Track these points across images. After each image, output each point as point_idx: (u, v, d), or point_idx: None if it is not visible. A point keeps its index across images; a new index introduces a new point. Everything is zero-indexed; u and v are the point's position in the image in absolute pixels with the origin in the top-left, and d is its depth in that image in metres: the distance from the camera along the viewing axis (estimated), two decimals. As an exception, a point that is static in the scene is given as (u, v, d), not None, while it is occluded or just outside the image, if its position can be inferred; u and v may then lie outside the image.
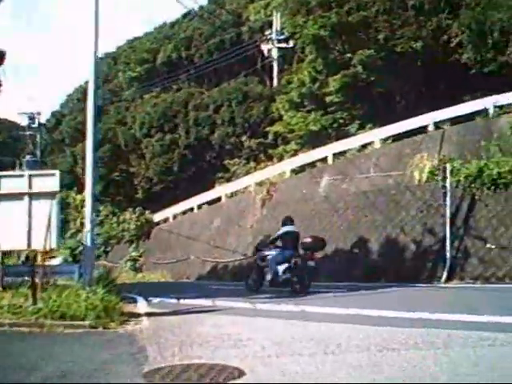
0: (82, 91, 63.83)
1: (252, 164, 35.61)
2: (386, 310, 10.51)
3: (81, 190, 48.52)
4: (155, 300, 15.61)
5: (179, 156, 38.11)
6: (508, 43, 25.40)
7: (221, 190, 32.90)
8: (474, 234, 19.14)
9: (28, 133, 57.35)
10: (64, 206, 49.41)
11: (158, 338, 8.66)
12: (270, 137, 36.58)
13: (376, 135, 26.16)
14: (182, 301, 14.88)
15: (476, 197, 19.64)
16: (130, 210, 37.20)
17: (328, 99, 31.99)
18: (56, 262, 46.13)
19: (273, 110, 36.67)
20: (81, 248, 41.32)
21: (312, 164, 28.50)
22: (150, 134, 40.02)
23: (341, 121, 32.16)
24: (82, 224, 41.88)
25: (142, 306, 14.22)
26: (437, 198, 20.80)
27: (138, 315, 12.04)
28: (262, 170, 31.22)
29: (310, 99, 33.52)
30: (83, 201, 46.58)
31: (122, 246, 36.55)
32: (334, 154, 27.36)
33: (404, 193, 22.22)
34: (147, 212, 36.70)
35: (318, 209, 25.35)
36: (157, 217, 36.58)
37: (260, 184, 29.47)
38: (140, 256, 34.76)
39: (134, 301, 15.85)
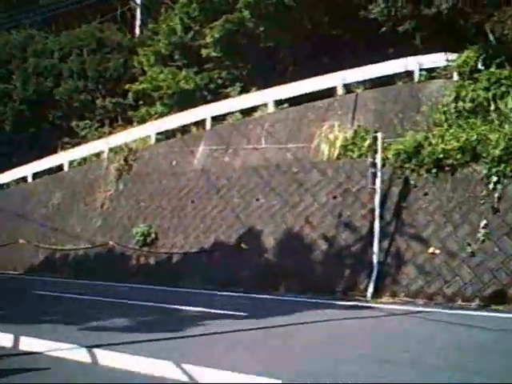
0: None
1: (107, 129, 28.82)
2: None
3: None
4: None
5: (14, 112, 30.33)
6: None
7: (63, 156, 25.92)
8: (410, 233, 14.26)
9: None
10: None
11: None
12: (131, 97, 29.94)
13: (268, 96, 20.61)
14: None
15: (411, 181, 14.76)
16: None
17: (204, 53, 26.00)
18: None
19: (134, 63, 29.97)
20: None
21: (185, 129, 22.54)
22: (-25, 82, 31.86)
23: (219, 81, 26.35)
24: None
25: None
26: (355, 180, 15.74)
27: None
28: (119, 133, 24.70)
29: (181, 52, 27.37)
30: None
31: None
32: (214, 118, 21.54)
33: (309, 171, 16.99)
34: (-35, 179, 28.74)
35: (193, 187, 19.52)
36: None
37: (116, 151, 23.02)
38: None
39: None
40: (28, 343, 7.42)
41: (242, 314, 10.54)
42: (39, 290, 14.37)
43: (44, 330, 8.33)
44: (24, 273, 22.35)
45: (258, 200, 17.63)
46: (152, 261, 18.97)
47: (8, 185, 27.85)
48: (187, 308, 11.22)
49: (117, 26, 34.25)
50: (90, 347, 7.00)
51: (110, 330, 8.63)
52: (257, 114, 20.78)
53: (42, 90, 30.69)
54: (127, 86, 29.53)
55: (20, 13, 37.03)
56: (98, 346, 7.06)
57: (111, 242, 20.20)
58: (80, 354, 6.79)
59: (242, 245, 16.92)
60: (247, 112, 21.67)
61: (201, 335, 8.59)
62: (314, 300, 13.11)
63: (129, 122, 28.26)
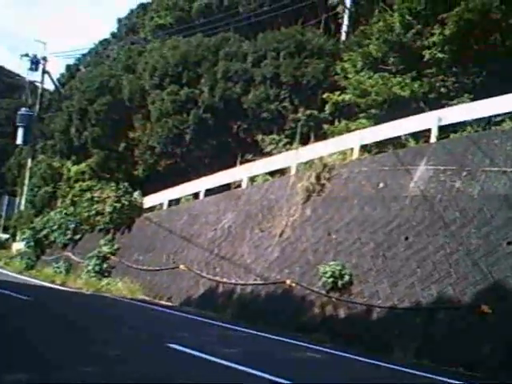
0: (105, 44, 54.47)
1: (296, 146, 24.16)
2: None
3: (78, 160, 38.42)
4: None
5: (196, 120, 26.74)
6: None
7: (242, 171, 21.50)
8: None
9: (28, 79, 47.36)
10: (56, 179, 39.31)
11: None
12: (328, 108, 25.11)
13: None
14: None
15: None
16: (113, 185, 26.06)
17: (427, 55, 20.58)
18: (19, 246, 35.52)
19: (337, 70, 25.10)
20: (46, 231, 30.61)
21: (398, 142, 17.13)
22: (161, 85, 28.81)
23: (442, 90, 20.70)
24: (73, 202, 31.48)
25: None
26: None
27: None
28: (311, 145, 19.90)
29: (397, 54, 22.07)
30: (79, 173, 36.91)
31: (97, 236, 25.47)
32: (442, 128, 15.90)
33: None
34: (136, 193, 25.36)
35: (408, 218, 13.90)
36: (148, 201, 25.26)
37: (306, 167, 18.16)
38: (113, 254, 23.54)
39: None
40: None
41: None
42: (179, 341, 9.57)
43: None
44: (179, 306, 17.95)
45: (509, 244, 11.71)
46: (342, 313, 13.52)
47: (178, 201, 24.08)
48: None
49: (320, 31, 29.91)
50: None
51: None
52: (506, 125, 14.85)
53: (229, 97, 26.87)
54: (325, 96, 24.79)
55: (218, 20, 34.47)
56: None
57: (289, 281, 15.10)
58: None
59: (484, 307, 11.05)
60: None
61: None
62: None
63: (323, 140, 23.45)
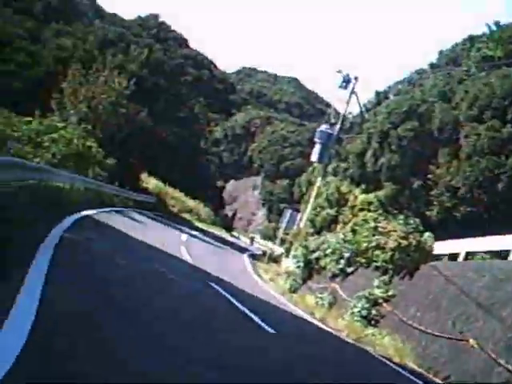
0: (421, 73, 52.03)
1: None
2: None
3: (367, 189, 36.07)
4: None
5: (515, 167, 22.30)
6: None
7: None
8: None
9: (334, 98, 46.27)
10: (340, 203, 37.63)
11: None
12: None
13: None
14: None
15: None
16: (401, 217, 22.56)
17: None
18: (288, 263, 33.78)
19: None
20: (318, 253, 28.16)
21: None
22: (480, 118, 24.58)
23: None
24: (353, 230, 28.84)
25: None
26: None
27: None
28: None
29: None
30: (366, 203, 34.25)
31: (371, 274, 22.12)
32: None
33: None
34: (427, 234, 21.53)
35: None
36: (438, 247, 21.27)
37: None
38: (386, 300, 19.93)
39: None
40: None
41: None
42: None
43: None
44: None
45: None
46: None
47: (473, 255, 19.73)
48: None
49: None
50: None
51: None
52: None
53: None
54: None
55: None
56: None
57: None
58: None
59: None
60: None
61: None
62: None
63: None
